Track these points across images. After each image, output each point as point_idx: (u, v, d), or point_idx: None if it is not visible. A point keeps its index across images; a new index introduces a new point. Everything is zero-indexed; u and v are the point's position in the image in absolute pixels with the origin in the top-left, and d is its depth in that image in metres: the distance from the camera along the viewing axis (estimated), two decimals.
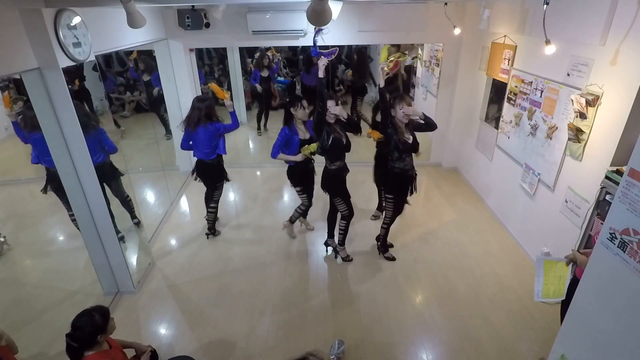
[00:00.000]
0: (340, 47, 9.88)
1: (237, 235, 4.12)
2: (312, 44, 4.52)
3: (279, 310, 3.10)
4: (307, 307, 3.12)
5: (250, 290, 3.33)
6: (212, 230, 4.06)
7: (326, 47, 3.37)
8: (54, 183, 3.42)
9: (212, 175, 3.75)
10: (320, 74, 3.06)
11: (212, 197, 3.87)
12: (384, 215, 3.56)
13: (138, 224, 3.69)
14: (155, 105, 6.64)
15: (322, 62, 3.04)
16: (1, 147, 6.62)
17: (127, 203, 3.61)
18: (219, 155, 3.68)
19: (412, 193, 3.45)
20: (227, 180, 3.93)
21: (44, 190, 3.63)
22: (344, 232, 3.59)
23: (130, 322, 3.01)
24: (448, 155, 5.59)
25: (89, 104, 3.37)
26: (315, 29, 4.13)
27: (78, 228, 3.18)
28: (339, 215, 3.57)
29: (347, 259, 3.67)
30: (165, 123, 6.59)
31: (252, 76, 7.06)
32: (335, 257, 3.71)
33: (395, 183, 3.36)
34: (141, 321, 3.03)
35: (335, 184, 3.39)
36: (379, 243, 3.72)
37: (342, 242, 3.65)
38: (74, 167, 2.77)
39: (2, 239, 3.91)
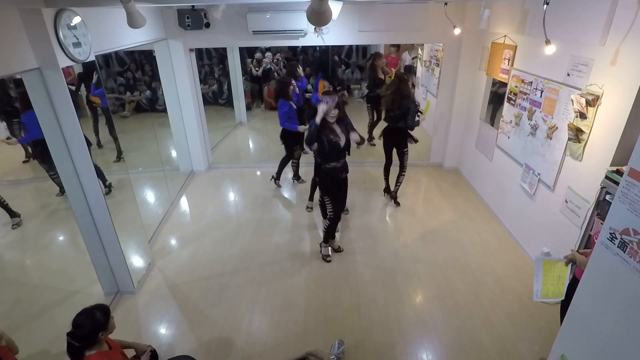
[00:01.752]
0: (341, 46, 9.87)
1: (238, 235, 4.12)
2: (314, 48, 4.55)
3: (280, 310, 3.10)
4: (307, 307, 3.12)
5: (250, 290, 3.33)
6: (296, 176, 5.29)
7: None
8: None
9: (284, 140, 4.80)
10: (318, 120, 3.07)
11: (292, 156, 4.97)
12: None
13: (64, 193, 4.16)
14: (41, 155, 4.61)
15: (322, 108, 3.04)
16: (1, 147, 6.61)
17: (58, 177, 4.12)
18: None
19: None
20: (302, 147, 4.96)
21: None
22: (327, 233, 3.61)
23: (130, 322, 3.01)
24: (448, 155, 5.59)
25: None
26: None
27: (59, 186, 4.50)
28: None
29: (325, 258, 3.65)
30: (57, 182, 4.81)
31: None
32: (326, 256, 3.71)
33: (326, 182, 3.40)
34: (141, 321, 3.03)
35: (326, 182, 3.40)
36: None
37: (325, 240, 3.66)
38: (74, 167, 2.77)
39: None
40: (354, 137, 3.20)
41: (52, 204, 4.91)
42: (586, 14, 2.71)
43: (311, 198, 4.62)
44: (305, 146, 3.50)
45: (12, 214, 4.37)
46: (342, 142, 3.21)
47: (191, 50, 5.03)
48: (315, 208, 4.55)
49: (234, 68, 7.59)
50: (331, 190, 3.41)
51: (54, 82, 2.48)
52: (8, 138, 3.89)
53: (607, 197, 2.55)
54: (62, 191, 4.88)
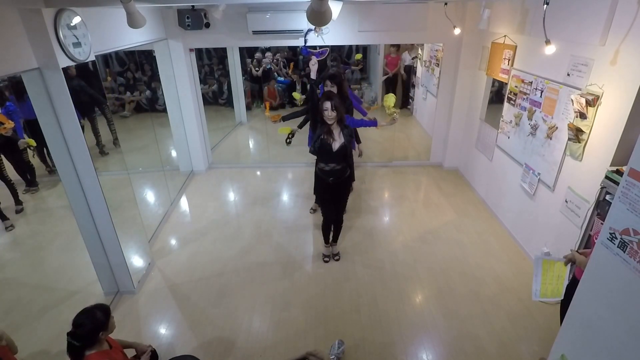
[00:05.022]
0: (341, 47, 9.85)
1: (238, 235, 4.12)
2: (319, 45, 4.57)
3: (279, 310, 3.10)
4: (307, 307, 3.12)
5: (250, 290, 3.33)
6: None
7: (314, 47, 3.36)
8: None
9: None
10: (313, 75, 3.02)
11: None
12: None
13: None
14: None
15: (313, 62, 2.99)
16: None
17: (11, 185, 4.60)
18: None
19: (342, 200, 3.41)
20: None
21: None
22: (322, 234, 3.61)
23: (130, 322, 3.01)
24: (448, 155, 5.59)
25: None
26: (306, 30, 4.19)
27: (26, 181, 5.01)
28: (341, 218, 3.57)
29: (323, 258, 3.67)
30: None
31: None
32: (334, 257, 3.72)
33: (317, 183, 3.35)
34: (141, 321, 3.03)
35: (316, 181, 3.38)
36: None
37: (325, 241, 3.66)
38: (74, 167, 2.77)
39: None
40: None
41: (51, 203, 4.91)
42: (586, 14, 2.71)
43: (317, 200, 4.61)
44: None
45: (3, 217, 4.41)
46: (336, 146, 3.07)
47: (191, 50, 5.03)
48: (318, 209, 4.55)
49: (234, 68, 7.59)
50: (319, 191, 3.38)
51: (54, 82, 2.48)
52: None
53: (607, 197, 2.55)
54: (27, 186, 5.16)
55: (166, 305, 3.18)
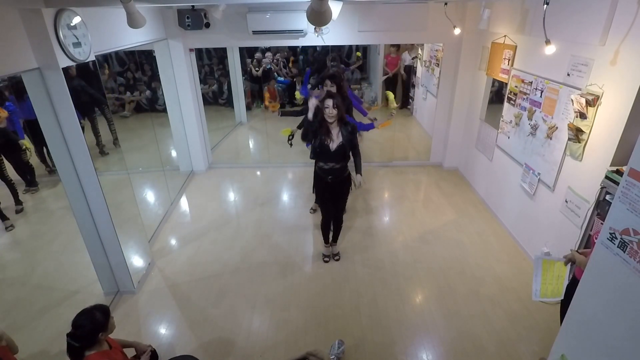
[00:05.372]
0: (341, 47, 9.86)
1: (238, 235, 4.12)
2: (319, 44, 4.59)
3: (279, 310, 3.10)
4: (307, 307, 3.12)
5: (250, 290, 3.33)
6: None
7: (315, 49, 3.47)
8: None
9: None
10: (310, 116, 3.04)
11: None
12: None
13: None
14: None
15: (312, 103, 3.01)
16: None
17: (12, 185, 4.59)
18: None
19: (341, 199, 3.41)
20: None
21: None
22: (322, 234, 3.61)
23: (130, 322, 3.01)
24: (448, 155, 5.59)
25: None
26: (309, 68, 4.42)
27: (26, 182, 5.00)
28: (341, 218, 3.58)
29: (323, 258, 3.67)
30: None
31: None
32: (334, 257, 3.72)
33: (316, 181, 3.38)
34: (141, 321, 3.03)
35: (315, 180, 3.39)
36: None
37: (325, 241, 3.66)
38: (74, 167, 2.77)
39: None
40: (357, 179, 3.15)
41: (51, 203, 4.91)
42: (586, 14, 2.71)
43: (316, 200, 4.62)
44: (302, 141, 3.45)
45: (3, 217, 4.41)
46: (333, 146, 3.07)
47: (191, 50, 5.03)
48: (318, 210, 4.55)
49: (234, 68, 7.59)
50: (318, 189, 3.41)
51: (54, 82, 2.48)
52: None
53: (607, 197, 2.55)
54: (27, 186, 5.15)
55: (166, 305, 3.18)
